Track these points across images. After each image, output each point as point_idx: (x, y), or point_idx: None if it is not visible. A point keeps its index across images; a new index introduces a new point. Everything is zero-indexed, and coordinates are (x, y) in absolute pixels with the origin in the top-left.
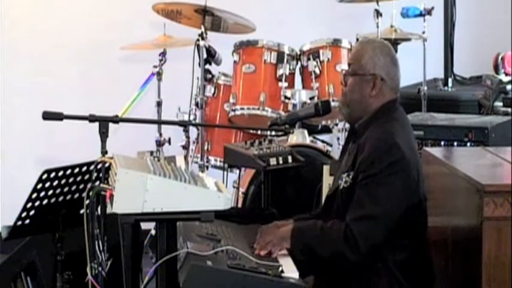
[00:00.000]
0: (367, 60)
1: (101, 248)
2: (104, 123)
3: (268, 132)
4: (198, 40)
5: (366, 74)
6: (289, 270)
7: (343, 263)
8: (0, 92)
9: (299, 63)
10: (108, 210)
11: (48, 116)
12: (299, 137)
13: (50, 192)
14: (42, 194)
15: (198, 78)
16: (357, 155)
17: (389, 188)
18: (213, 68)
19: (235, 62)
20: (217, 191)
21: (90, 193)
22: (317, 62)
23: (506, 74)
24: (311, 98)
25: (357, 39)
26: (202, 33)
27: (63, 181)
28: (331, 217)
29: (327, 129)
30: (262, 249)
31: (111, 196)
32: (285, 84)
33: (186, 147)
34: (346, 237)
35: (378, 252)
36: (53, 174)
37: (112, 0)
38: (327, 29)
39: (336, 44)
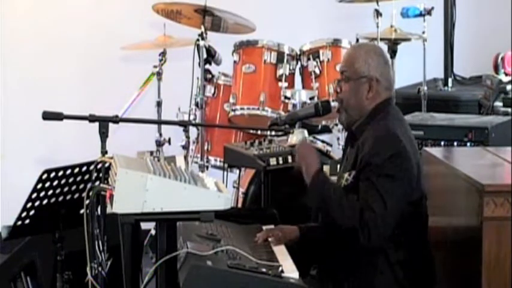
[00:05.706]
0: (360, 63)
1: (101, 248)
2: (104, 123)
3: (268, 132)
4: (198, 40)
5: (360, 78)
6: (289, 270)
7: (351, 237)
8: (0, 92)
9: (299, 63)
10: (108, 210)
11: (48, 116)
12: (299, 137)
13: (50, 192)
14: (42, 194)
15: (198, 78)
16: (358, 153)
17: (393, 178)
18: (213, 68)
19: (235, 62)
20: (217, 191)
21: (90, 193)
22: (317, 62)
23: (506, 74)
24: (311, 98)
25: (357, 40)
26: (202, 33)
27: (63, 181)
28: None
29: (327, 129)
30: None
31: (111, 196)
32: (285, 84)
33: (186, 147)
34: (361, 222)
35: (384, 243)
36: (53, 174)
37: (112, 0)
38: (327, 29)
39: (336, 44)
